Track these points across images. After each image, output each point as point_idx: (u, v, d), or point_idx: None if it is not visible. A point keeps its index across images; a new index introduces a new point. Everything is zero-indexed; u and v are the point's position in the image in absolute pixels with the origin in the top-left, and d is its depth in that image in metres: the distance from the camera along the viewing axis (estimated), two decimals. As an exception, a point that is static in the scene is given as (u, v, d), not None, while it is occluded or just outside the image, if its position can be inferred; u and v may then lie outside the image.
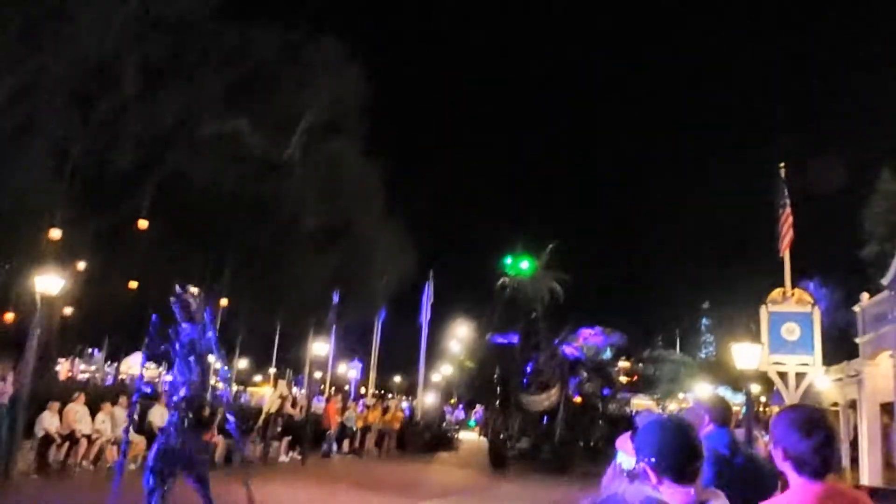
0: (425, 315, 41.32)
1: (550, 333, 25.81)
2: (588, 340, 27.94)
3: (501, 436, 24.49)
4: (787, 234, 20.14)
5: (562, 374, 25.21)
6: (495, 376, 26.50)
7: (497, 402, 26.34)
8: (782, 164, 20.94)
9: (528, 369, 23.71)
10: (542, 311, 24.81)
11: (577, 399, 25.96)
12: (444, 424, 34.86)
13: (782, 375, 19.53)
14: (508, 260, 24.78)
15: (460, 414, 31.17)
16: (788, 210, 20.20)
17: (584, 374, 26.36)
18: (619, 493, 2.39)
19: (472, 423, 41.99)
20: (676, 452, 2.33)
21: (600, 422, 26.88)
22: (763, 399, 31.62)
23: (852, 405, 19.62)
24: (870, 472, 17.26)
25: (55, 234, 19.16)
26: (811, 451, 2.31)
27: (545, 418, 24.62)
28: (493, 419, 26.45)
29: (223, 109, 23.18)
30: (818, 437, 2.33)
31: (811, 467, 2.31)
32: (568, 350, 26.68)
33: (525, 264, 24.85)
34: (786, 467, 2.36)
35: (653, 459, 2.33)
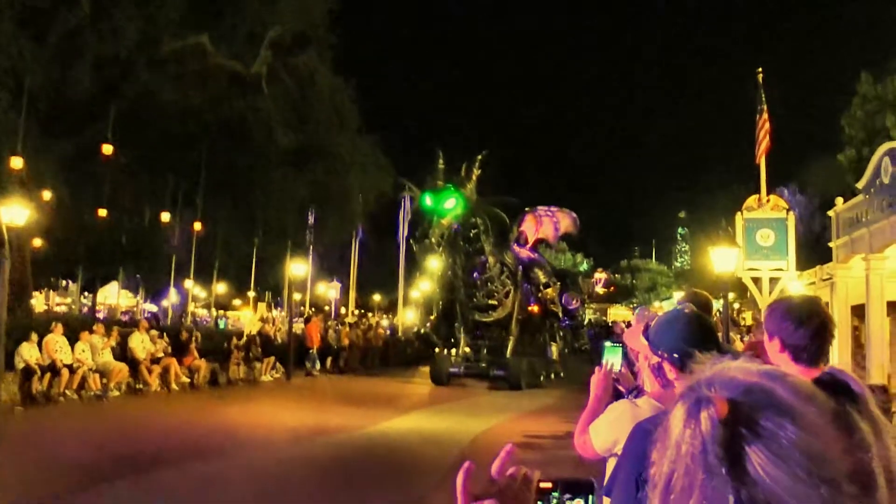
0: (403, 231, 41.32)
1: (499, 241, 22.30)
2: (540, 221, 24.95)
3: (444, 350, 22.39)
4: (763, 141, 20.08)
5: (515, 282, 22.33)
6: (441, 286, 24.12)
7: (438, 312, 24.05)
8: (759, 70, 20.66)
9: (474, 277, 21.06)
10: (484, 229, 19.94)
11: (534, 307, 23.40)
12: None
13: (756, 281, 19.88)
14: (428, 200, 18.01)
15: None
16: (766, 116, 20.08)
17: (543, 279, 23.44)
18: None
19: None
20: (705, 343, 2.21)
21: (560, 332, 25.24)
22: (737, 305, 32.39)
23: (824, 308, 20.06)
24: (839, 372, 17.79)
25: (17, 162, 18.49)
26: (807, 338, 2.32)
27: (498, 329, 22.45)
28: (435, 331, 24.11)
29: (186, 25, 22.10)
30: (813, 324, 2.34)
31: (808, 354, 2.32)
32: (523, 253, 23.81)
33: (451, 202, 18.17)
34: (783, 358, 2.34)
35: (676, 355, 2.24)
